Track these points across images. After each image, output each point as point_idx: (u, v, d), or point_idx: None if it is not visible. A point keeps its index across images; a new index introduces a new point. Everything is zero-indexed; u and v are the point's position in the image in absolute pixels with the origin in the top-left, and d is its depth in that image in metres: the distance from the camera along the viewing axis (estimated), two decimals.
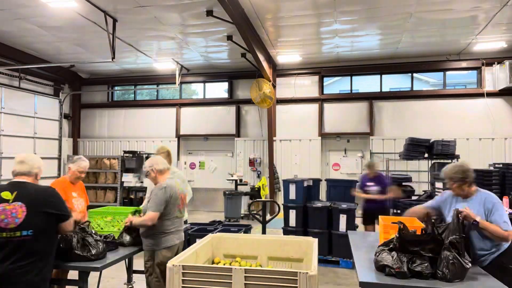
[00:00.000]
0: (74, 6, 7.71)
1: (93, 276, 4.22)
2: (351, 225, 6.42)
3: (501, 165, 6.98)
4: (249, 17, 8.38)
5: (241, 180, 11.78)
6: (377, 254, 2.91)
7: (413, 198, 8.46)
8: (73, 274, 3.34)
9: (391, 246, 2.88)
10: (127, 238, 3.76)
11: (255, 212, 11.15)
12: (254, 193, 11.15)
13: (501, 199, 5.37)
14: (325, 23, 8.75)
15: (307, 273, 2.48)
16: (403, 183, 8.46)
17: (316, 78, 12.04)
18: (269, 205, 11.45)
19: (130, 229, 3.76)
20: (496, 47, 10.14)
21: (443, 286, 2.60)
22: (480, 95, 10.77)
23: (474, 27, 8.91)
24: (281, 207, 6.70)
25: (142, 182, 12.24)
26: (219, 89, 13.24)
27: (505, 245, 3.14)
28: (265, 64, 10.45)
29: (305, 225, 6.80)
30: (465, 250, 2.76)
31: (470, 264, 2.68)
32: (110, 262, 3.25)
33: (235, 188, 11.48)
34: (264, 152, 12.24)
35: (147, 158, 12.68)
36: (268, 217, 11.18)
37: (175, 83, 11.96)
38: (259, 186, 11.31)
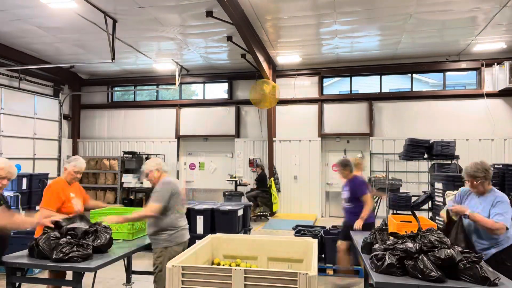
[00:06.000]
0: (74, 7, 7.71)
1: (88, 277, 4.22)
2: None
3: (500, 166, 6.97)
4: (249, 18, 8.38)
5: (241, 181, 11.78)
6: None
7: (413, 199, 8.46)
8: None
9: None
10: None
11: (259, 214, 11.18)
12: (263, 196, 11.10)
13: None
14: (325, 24, 8.75)
15: (307, 273, 2.48)
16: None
17: (316, 78, 12.05)
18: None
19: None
20: (495, 48, 10.15)
21: (458, 286, 2.65)
22: (480, 95, 10.78)
23: (473, 28, 8.92)
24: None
25: (142, 183, 12.24)
26: (219, 90, 13.25)
27: (507, 243, 3.24)
28: (265, 65, 10.45)
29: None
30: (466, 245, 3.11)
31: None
32: (104, 262, 3.23)
33: (234, 188, 11.49)
34: (264, 153, 12.24)
35: (147, 158, 12.69)
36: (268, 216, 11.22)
37: (175, 83, 11.96)
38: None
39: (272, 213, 11.32)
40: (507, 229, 3.18)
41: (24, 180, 9.05)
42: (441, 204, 6.95)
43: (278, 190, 11.86)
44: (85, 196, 4.29)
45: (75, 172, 4.02)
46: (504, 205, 3.25)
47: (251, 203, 8.00)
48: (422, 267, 2.74)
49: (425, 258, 2.77)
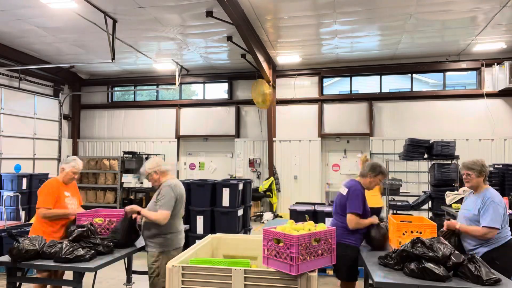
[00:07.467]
0: (74, 7, 7.72)
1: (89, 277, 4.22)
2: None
3: (500, 166, 7.00)
4: (249, 18, 8.38)
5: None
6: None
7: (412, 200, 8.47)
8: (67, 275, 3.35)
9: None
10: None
11: (259, 214, 11.18)
12: (264, 196, 11.09)
13: None
14: (324, 24, 8.75)
15: (306, 273, 2.48)
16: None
17: (315, 78, 12.04)
18: (268, 204, 11.51)
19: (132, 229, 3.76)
20: (495, 48, 10.15)
21: (458, 286, 2.66)
22: (480, 96, 10.78)
23: (473, 28, 8.92)
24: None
25: (142, 183, 12.24)
26: (219, 90, 13.25)
27: (497, 242, 3.29)
28: (264, 65, 10.46)
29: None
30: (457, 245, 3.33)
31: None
32: (104, 262, 3.24)
33: None
34: (264, 153, 12.24)
35: (147, 158, 12.69)
36: (268, 215, 11.23)
37: (175, 83, 11.96)
38: (267, 188, 11.23)
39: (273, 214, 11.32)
40: (497, 229, 3.26)
41: (24, 180, 9.05)
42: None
43: (278, 190, 11.87)
44: (79, 197, 4.33)
45: (73, 173, 4.07)
46: (493, 206, 3.30)
47: (250, 203, 8.00)
48: (424, 265, 2.74)
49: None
